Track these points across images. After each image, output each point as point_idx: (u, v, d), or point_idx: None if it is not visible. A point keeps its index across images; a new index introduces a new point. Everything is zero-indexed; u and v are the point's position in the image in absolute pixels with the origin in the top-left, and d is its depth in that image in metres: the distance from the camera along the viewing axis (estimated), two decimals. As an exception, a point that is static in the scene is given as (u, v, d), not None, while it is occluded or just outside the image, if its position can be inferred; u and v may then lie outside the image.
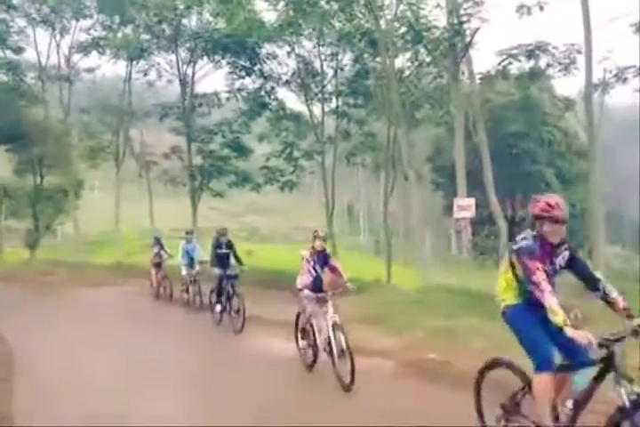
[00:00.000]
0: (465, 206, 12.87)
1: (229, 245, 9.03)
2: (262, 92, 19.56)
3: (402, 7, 16.05)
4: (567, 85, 21.28)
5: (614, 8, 16.50)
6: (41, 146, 22.89)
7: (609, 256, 18.49)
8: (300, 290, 6.01)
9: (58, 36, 22.20)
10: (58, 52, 22.49)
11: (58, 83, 22.53)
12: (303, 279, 5.97)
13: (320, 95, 18.93)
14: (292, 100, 19.85)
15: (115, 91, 22.35)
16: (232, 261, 9.10)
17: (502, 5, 15.35)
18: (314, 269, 5.99)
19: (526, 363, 3.42)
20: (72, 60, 22.55)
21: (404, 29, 16.25)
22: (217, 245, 8.96)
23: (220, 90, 20.44)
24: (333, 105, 19.25)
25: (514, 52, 16.16)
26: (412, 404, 4.78)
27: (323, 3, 16.84)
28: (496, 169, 15.09)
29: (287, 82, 19.23)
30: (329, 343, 5.57)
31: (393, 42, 16.33)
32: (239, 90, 19.80)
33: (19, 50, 22.22)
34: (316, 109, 19.06)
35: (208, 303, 10.05)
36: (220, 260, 8.86)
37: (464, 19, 14.91)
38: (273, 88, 19.61)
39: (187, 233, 11.45)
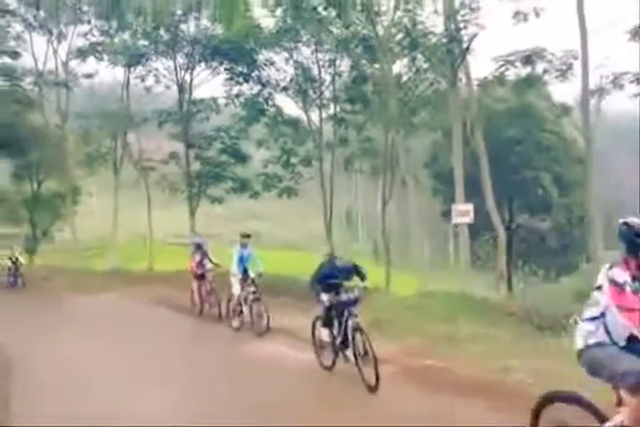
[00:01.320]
0: (463, 212, 12.86)
1: (354, 269, 6.23)
2: (260, 99, 19.60)
3: (399, 13, 16.16)
4: (564, 91, 21.38)
5: (610, 15, 16.64)
6: (38, 151, 22.89)
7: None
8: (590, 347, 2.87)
9: (55, 42, 22.26)
10: (55, 58, 22.55)
11: (55, 88, 22.55)
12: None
13: (318, 101, 18.98)
14: (289, 106, 19.93)
15: (113, 96, 22.32)
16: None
17: (499, 12, 15.49)
18: None
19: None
20: (69, 65, 22.59)
21: (401, 35, 16.33)
22: (332, 268, 6.18)
23: (217, 96, 20.50)
24: (331, 111, 19.33)
25: (510, 58, 16.26)
26: (411, 410, 4.73)
27: (320, 9, 16.97)
28: (493, 175, 15.10)
29: (285, 88, 19.29)
30: None
31: (390, 48, 16.43)
32: (237, 96, 19.84)
33: (15, 55, 22.25)
34: (314, 115, 19.14)
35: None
36: (333, 283, 6.10)
37: (461, 25, 15.01)
38: (271, 94, 19.66)
39: (243, 236, 9.10)
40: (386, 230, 18.76)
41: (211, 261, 10.32)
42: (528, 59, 16.10)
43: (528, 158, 20.37)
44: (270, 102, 19.75)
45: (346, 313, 5.74)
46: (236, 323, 8.86)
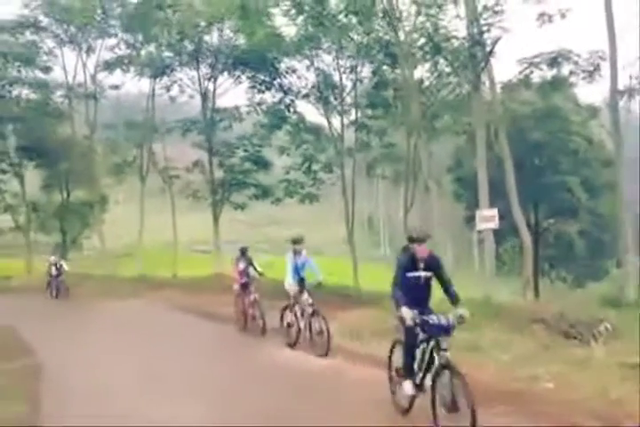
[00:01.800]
0: (488, 217, 12.61)
1: (432, 265, 4.68)
2: (282, 106, 19.80)
3: (420, 18, 16.07)
4: (591, 93, 20.93)
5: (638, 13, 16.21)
6: (67, 162, 23.70)
7: (636, 267, 17.87)
8: None
9: (84, 56, 23.17)
10: (84, 71, 23.43)
11: (84, 100, 23.33)
12: None
13: (339, 108, 19.04)
14: (311, 113, 20.07)
15: (138, 107, 23.01)
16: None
17: (523, 14, 15.24)
18: None
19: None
20: (97, 78, 23.42)
21: (422, 40, 16.25)
22: (409, 265, 4.62)
23: (240, 104, 20.82)
24: (353, 117, 19.35)
25: (535, 60, 15.98)
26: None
27: (341, 16, 17.05)
28: (518, 179, 14.81)
29: (306, 95, 19.42)
30: None
31: (412, 53, 16.37)
32: (259, 104, 20.13)
33: (47, 69, 23.21)
34: (336, 122, 19.18)
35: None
36: (414, 291, 4.59)
37: (484, 28, 14.81)
38: (292, 101, 19.84)
39: (295, 242, 8.06)
40: (409, 236, 18.59)
41: (255, 269, 9.55)
42: (554, 61, 15.79)
43: (554, 162, 19.96)
44: (292, 109, 19.92)
45: (432, 343, 4.33)
46: (290, 339, 8.00)
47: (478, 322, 7.27)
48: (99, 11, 21.94)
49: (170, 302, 14.20)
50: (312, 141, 19.52)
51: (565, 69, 16.09)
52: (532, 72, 16.36)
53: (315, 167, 19.51)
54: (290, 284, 7.86)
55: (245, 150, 20.83)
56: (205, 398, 5.62)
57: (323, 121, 19.56)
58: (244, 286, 9.43)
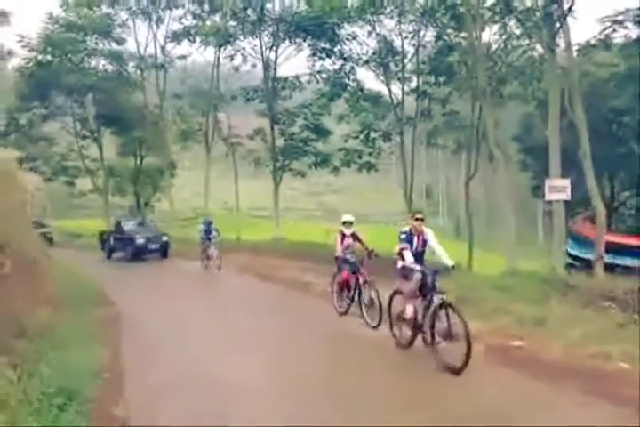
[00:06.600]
0: (559, 188, 12.11)
1: None
2: (342, 73, 19.56)
3: (491, -24, 15.14)
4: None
5: None
6: (140, 129, 24.95)
7: None
8: None
9: (154, 27, 23.74)
10: (154, 42, 24.15)
11: (154, 70, 24.19)
12: None
13: (400, 74, 18.55)
14: (371, 80, 19.70)
15: (204, 76, 23.59)
16: None
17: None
18: None
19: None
20: (166, 48, 24.07)
21: (492, 0, 15.34)
22: None
23: (300, 73, 20.79)
24: (414, 84, 18.82)
25: (620, 17, 14.69)
26: (493, 390, 4.69)
27: (406, -22, 16.34)
28: (594, 149, 13.97)
29: (367, 62, 19.03)
30: None
31: (480, 14, 15.50)
32: (319, 72, 20.01)
33: (121, 41, 24.19)
34: (396, 89, 18.75)
35: None
36: None
37: (562, -17, 13.71)
38: (352, 68, 19.53)
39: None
40: (469, 207, 18.25)
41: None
42: (642, 18, 14.45)
43: (635, 130, 18.52)
44: (352, 77, 19.66)
45: None
46: None
47: (544, 296, 7.23)
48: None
49: (237, 262, 15.00)
50: (371, 109, 19.25)
51: (654, 28, 14.73)
52: (614, 31, 15.08)
53: (373, 135, 19.32)
54: None
55: (305, 119, 20.91)
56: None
57: (383, 88, 19.22)
58: None
